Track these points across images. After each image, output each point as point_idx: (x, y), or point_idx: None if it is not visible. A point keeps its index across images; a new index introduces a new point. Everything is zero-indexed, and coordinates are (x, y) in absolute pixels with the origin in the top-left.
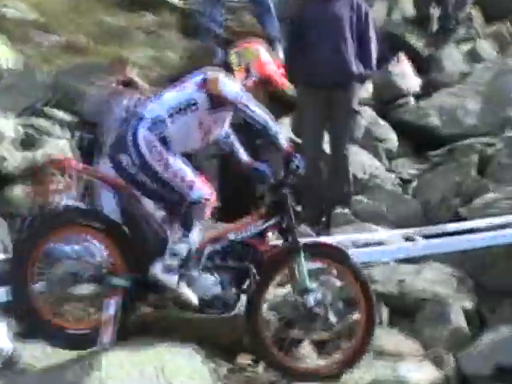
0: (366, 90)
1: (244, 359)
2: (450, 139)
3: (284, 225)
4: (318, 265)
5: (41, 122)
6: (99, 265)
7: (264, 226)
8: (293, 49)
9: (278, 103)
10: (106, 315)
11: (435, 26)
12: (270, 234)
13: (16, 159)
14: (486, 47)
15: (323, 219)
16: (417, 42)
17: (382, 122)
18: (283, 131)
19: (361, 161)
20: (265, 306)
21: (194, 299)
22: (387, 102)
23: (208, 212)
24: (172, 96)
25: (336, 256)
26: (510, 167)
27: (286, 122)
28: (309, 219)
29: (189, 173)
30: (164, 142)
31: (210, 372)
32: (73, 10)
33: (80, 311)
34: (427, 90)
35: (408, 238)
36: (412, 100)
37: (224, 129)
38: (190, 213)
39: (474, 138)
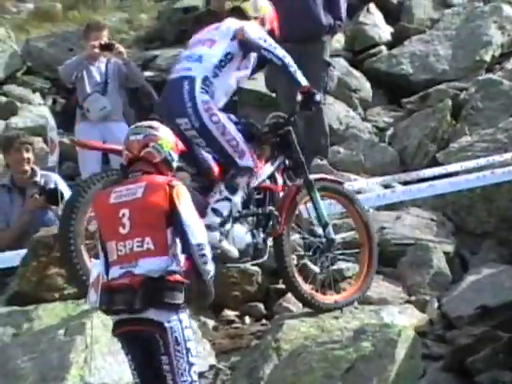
0: (338, 41)
1: (229, 313)
2: (424, 85)
3: (289, 163)
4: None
5: (19, 90)
6: None
7: (273, 168)
8: None
9: None
10: (93, 275)
11: None
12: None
13: None
14: None
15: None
16: None
17: (355, 72)
18: (258, 85)
19: (336, 112)
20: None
21: (234, 252)
22: (359, 51)
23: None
24: (211, 54)
25: (338, 189)
26: (484, 110)
27: (260, 76)
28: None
29: (241, 142)
30: (212, 96)
31: (198, 326)
32: None
33: None
34: (399, 38)
35: (386, 186)
36: (384, 49)
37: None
38: (237, 175)
39: (446, 83)
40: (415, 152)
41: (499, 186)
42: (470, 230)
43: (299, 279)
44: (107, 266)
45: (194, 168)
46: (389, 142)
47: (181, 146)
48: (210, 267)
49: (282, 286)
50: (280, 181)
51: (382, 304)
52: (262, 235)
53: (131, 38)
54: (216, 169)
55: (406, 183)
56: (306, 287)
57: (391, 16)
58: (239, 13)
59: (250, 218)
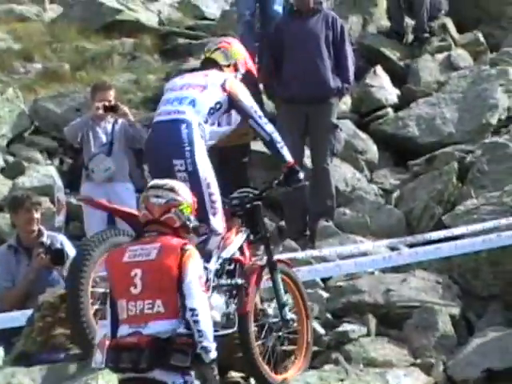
0: (345, 103)
1: (235, 375)
2: (430, 148)
3: (254, 237)
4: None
5: (26, 150)
6: None
7: (242, 240)
8: (270, 65)
9: None
10: (99, 335)
11: (410, 37)
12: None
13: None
14: (462, 56)
15: (307, 233)
16: (392, 53)
17: (361, 134)
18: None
19: (342, 173)
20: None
21: (217, 317)
22: (366, 114)
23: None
24: (204, 101)
25: (287, 271)
26: (490, 173)
27: None
28: (293, 233)
29: (218, 201)
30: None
31: None
32: (52, 37)
33: None
34: (405, 100)
35: (392, 248)
36: (390, 111)
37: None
38: (208, 240)
39: (453, 146)
40: (421, 214)
41: (505, 249)
42: (476, 293)
43: (261, 360)
44: (115, 324)
45: None
46: (395, 204)
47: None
48: (208, 344)
49: (287, 347)
50: (247, 253)
51: (387, 366)
52: (233, 306)
53: (138, 98)
54: None
55: (412, 246)
56: (266, 368)
57: (398, 78)
58: (212, 64)
59: (225, 288)
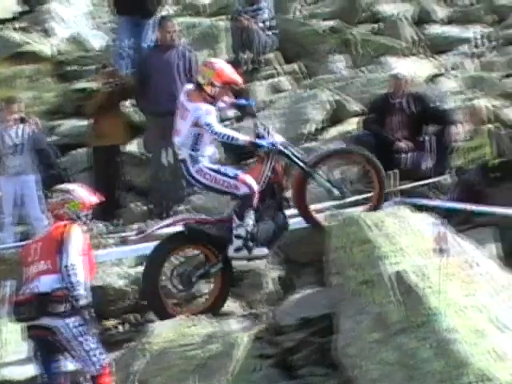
0: None
1: (107, 323)
2: None
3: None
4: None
5: None
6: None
7: (270, 165)
8: (139, 87)
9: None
10: (3, 293)
11: (246, 66)
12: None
13: None
14: (285, 81)
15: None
16: None
17: None
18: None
19: None
20: None
21: (264, 252)
22: None
23: (255, 199)
24: (188, 134)
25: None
26: None
27: (139, 141)
28: (156, 215)
29: (231, 180)
30: (202, 158)
31: None
32: None
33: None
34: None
35: None
36: (231, 123)
37: None
38: (241, 203)
39: None
40: None
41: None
42: (297, 259)
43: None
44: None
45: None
46: None
47: (92, 201)
48: (79, 293)
49: None
50: (280, 171)
51: (228, 315)
52: (281, 216)
53: (40, 110)
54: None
55: None
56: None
57: (239, 96)
58: (200, 88)
59: (270, 210)
